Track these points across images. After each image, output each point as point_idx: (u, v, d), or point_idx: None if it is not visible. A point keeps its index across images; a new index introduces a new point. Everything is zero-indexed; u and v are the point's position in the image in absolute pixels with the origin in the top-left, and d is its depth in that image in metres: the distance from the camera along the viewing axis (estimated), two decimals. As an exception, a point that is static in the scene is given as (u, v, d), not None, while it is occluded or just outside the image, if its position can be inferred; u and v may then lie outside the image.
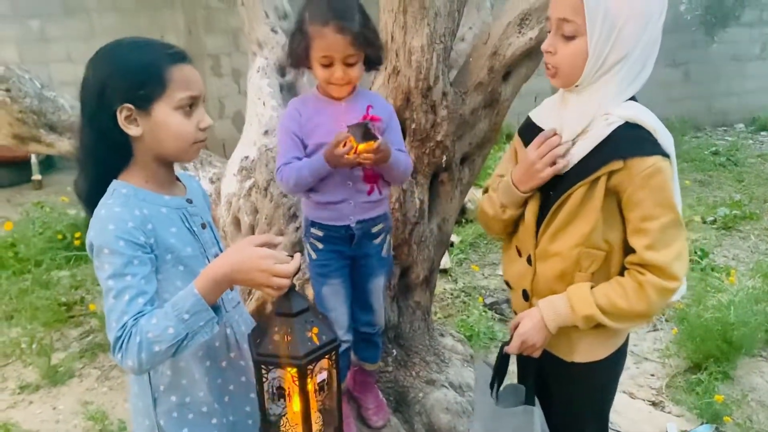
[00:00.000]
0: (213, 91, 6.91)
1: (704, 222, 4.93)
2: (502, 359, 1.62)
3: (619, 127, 1.36)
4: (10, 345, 3.23)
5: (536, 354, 1.54)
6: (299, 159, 1.75)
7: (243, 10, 2.94)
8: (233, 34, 6.97)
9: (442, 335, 2.61)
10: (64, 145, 2.78)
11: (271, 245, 1.21)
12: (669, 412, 2.74)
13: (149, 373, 1.31)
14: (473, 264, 4.26)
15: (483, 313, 3.50)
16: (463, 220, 4.81)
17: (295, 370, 1.12)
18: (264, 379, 1.16)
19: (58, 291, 3.74)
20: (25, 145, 2.83)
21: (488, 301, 3.69)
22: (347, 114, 1.77)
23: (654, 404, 2.81)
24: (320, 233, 1.87)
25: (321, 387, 1.19)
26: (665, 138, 1.39)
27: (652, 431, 2.62)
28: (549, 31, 1.40)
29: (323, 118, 1.76)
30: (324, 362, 1.16)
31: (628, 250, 1.43)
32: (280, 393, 1.18)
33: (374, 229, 1.90)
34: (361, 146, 1.63)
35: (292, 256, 1.19)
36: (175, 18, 6.78)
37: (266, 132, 2.51)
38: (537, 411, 1.59)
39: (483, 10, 2.60)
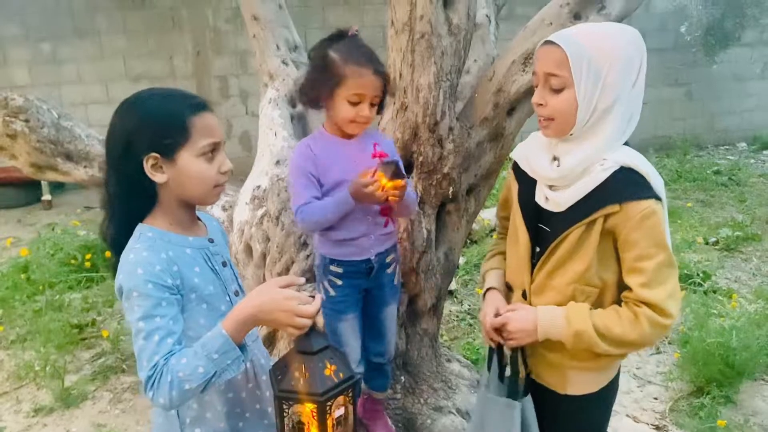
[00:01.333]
0: (221, 112, 7.01)
1: (706, 243, 4.98)
2: (492, 349, 1.66)
3: (614, 171, 1.42)
4: (24, 368, 3.29)
5: (509, 344, 1.57)
6: (317, 198, 1.81)
7: (255, 42, 3.02)
8: (240, 56, 7.08)
9: (449, 360, 2.66)
10: (80, 173, 2.86)
11: (295, 286, 1.28)
12: (672, 437, 2.79)
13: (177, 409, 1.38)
14: (478, 286, 4.30)
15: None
16: (468, 242, 4.87)
17: (314, 406, 1.18)
18: (285, 414, 1.22)
19: (70, 313, 3.81)
20: (42, 174, 2.92)
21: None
22: (360, 151, 1.85)
23: (658, 428, 2.84)
24: (340, 270, 1.93)
25: (338, 422, 1.24)
26: (657, 182, 1.45)
27: (655, 455, 2.66)
28: (536, 86, 1.48)
29: (339, 157, 1.83)
30: (341, 399, 1.22)
31: (621, 287, 1.49)
32: (300, 427, 1.23)
33: (388, 260, 1.98)
34: (389, 184, 1.71)
35: (313, 297, 1.26)
36: (184, 40, 6.90)
37: (278, 162, 2.59)
38: (521, 406, 1.61)
39: (487, 43, 2.68)
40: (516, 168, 1.64)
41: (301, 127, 2.85)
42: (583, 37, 1.39)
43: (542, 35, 2.09)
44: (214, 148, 1.32)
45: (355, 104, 1.76)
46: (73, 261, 4.32)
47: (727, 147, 8.55)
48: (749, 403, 2.98)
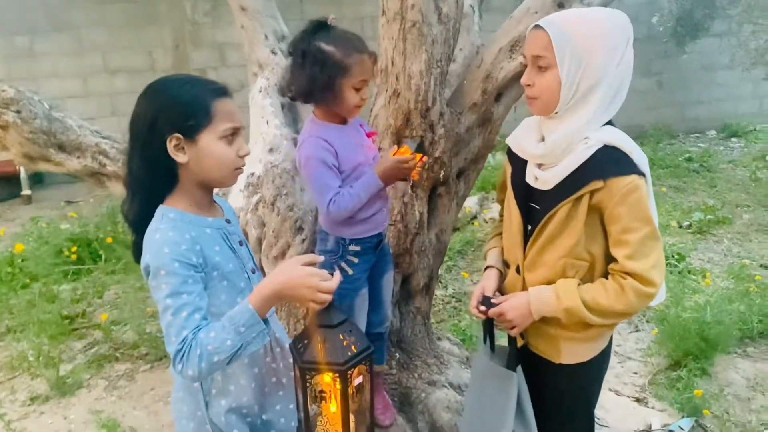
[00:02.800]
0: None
1: (680, 227, 5.15)
2: (486, 319, 1.76)
3: (598, 150, 1.51)
4: (17, 358, 3.31)
5: (512, 332, 1.68)
6: (340, 187, 1.90)
7: (243, 32, 3.07)
8: (219, 49, 7.08)
9: (439, 339, 2.77)
10: (73, 163, 2.89)
11: (315, 264, 1.35)
12: (652, 407, 2.92)
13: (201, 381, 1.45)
14: (462, 271, 4.42)
15: (474, 318, 3.66)
16: (451, 229, 4.97)
17: (336, 375, 1.26)
18: (307, 384, 1.30)
19: (60, 305, 3.83)
20: (34, 164, 2.94)
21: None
22: (359, 133, 1.97)
23: (638, 400, 2.98)
24: (358, 248, 2.02)
25: (357, 389, 1.33)
26: (640, 159, 1.55)
27: (636, 425, 2.79)
28: (526, 66, 1.57)
29: (350, 142, 1.92)
30: (360, 368, 1.31)
31: (609, 260, 1.59)
32: (322, 396, 1.32)
33: (385, 230, 2.11)
34: (418, 156, 1.88)
35: (332, 274, 1.34)
36: (162, 33, 6.88)
37: (271, 150, 2.65)
38: (517, 377, 1.72)
39: (472, 33, 2.76)
40: (509, 152, 1.73)
41: (291, 115, 2.92)
42: (567, 21, 1.49)
43: (527, 24, 2.20)
44: (234, 132, 1.38)
45: (359, 90, 1.85)
46: (64, 252, 4.33)
47: (698, 135, 8.78)
48: (723, 374, 3.14)
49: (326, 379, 1.30)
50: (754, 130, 8.71)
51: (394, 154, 1.86)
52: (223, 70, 7.15)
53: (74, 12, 6.58)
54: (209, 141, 1.35)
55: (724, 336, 3.17)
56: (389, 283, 2.17)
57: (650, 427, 2.77)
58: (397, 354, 2.45)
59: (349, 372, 1.27)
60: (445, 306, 3.93)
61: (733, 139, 8.51)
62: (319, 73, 1.81)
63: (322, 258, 1.39)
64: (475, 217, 5.39)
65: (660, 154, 7.25)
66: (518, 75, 2.26)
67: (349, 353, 1.28)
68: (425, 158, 1.86)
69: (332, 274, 1.33)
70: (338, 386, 1.28)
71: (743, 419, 2.79)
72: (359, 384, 1.32)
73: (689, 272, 4.18)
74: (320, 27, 1.87)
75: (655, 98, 8.43)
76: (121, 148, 2.82)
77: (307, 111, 2.97)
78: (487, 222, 5.32)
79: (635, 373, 3.20)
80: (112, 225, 4.76)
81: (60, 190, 6.52)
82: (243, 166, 1.43)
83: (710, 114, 8.91)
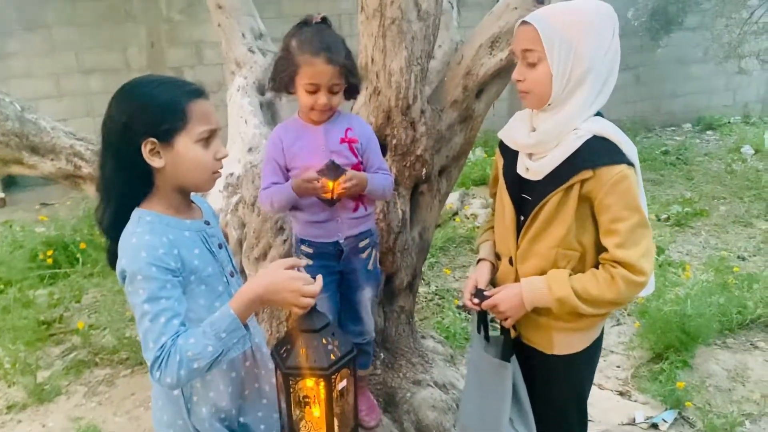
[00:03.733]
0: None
1: (659, 219, 5.20)
2: (480, 311, 1.76)
3: (588, 140, 1.53)
4: (-7, 365, 3.24)
5: (506, 324, 1.70)
6: (276, 184, 1.90)
7: (220, 30, 3.03)
8: (196, 47, 6.99)
9: (423, 337, 2.76)
10: (47, 166, 2.82)
11: (297, 267, 1.33)
12: (635, 401, 2.94)
13: (181, 388, 1.41)
14: (444, 267, 4.41)
15: (457, 315, 3.66)
16: (432, 226, 4.97)
17: (321, 380, 1.24)
18: (291, 390, 1.28)
19: (37, 310, 3.75)
20: (7, 168, 2.87)
21: (460, 302, 3.85)
22: (326, 136, 1.92)
23: (621, 394, 3.00)
24: (310, 250, 2.00)
25: (341, 393, 1.31)
26: (629, 149, 1.57)
27: (620, 419, 2.80)
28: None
29: (304, 143, 1.90)
30: (344, 372, 1.29)
31: (600, 250, 1.60)
32: (305, 401, 1.30)
33: (361, 244, 2.04)
34: (331, 184, 1.81)
35: (314, 278, 1.32)
36: (137, 31, 6.77)
37: (250, 149, 2.62)
38: (511, 366, 1.73)
39: (451, 29, 2.75)
40: (501, 145, 1.74)
41: (270, 114, 2.89)
42: (553, 14, 1.50)
43: (507, 20, 2.20)
44: (211, 135, 1.34)
45: (312, 93, 1.82)
46: (40, 257, 4.24)
47: (674, 128, 8.87)
48: (704, 366, 3.17)
49: (309, 384, 1.28)
50: (728, 122, 8.83)
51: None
52: (200, 69, 7.06)
53: (45, 11, 6.45)
54: (185, 145, 1.31)
55: (704, 328, 3.20)
56: (366, 300, 2.10)
57: (634, 421, 2.78)
58: (381, 354, 2.43)
59: (334, 376, 1.26)
60: (428, 303, 3.92)
61: (708, 132, 8.61)
62: (280, 66, 1.84)
63: (304, 261, 1.37)
64: (456, 214, 5.39)
65: (637, 148, 7.16)
66: (499, 71, 2.26)
67: (333, 357, 1.26)
68: (337, 187, 1.81)
69: (314, 278, 1.31)
70: (322, 391, 1.26)
71: (725, 410, 2.82)
72: (343, 388, 1.30)
73: (669, 265, 4.22)
74: (305, 24, 1.87)
75: (633, 92, 8.50)
76: (97, 150, 2.76)
77: (286, 109, 2.96)
78: (468, 218, 5.32)
79: (618, 367, 3.22)
80: (88, 227, 4.68)
81: (35, 193, 6.39)
82: (221, 168, 1.39)
83: (685, 107, 9.01)
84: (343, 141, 1.93)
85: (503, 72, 2.26)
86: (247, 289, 1.29)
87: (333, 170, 1.80)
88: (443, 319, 3.64)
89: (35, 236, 4.59)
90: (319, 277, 1.32)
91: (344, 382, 1.31)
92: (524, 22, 1.51)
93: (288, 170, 1.92)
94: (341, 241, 1.99)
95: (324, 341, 1.27)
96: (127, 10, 6.69)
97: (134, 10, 6.72)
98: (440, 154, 2.35)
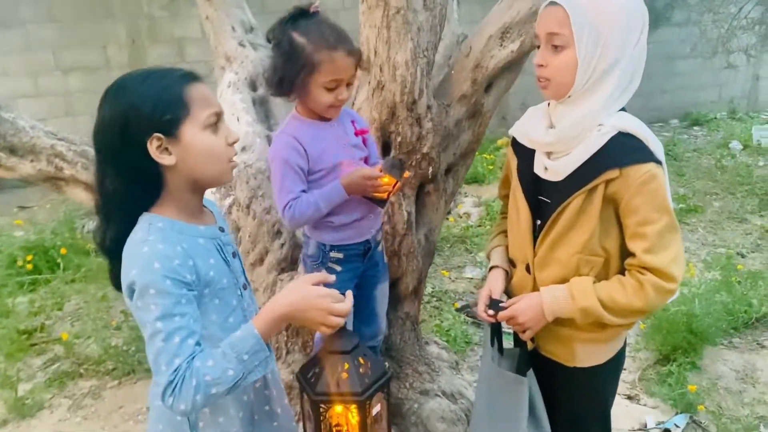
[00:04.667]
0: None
1: (654, 217, 5.13)
2: (494, 323, 1.66)
3: (612, 137, 1.42)
4: (-30, 379, 3.07)
5: (524, 336, 1.58)
6: (304, 191, 1.74)
7: (208, 24, 2.90)
8: (178, 44, 6.81)
9: (427, 343, 2.64)
10: (26, 168, 2.66)
11: (326, 283, 1.22)
12: (645, 405, 2.85)
13: None
14: (440, 269, 4.30)
15: (456, 318, 3.55)
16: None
17: (354, 406, 1.12)
18: (321, 417, 1.16)
19: (17, 319, 3.58)
20: (-17, 170, 2.71)
21: (459, 304, 3.75)
22: (344, 132, 1.80)
23: (630, 398, 2.91)
24: (340, 255, 1.87)
25: (375, 419, 1.19)
26: (656, 146, 1.46)
27: (631, 424, 2.71)
28: (538, 47, 1.46)
29: (326, 143, 1.76)
30: (378, 395, 1.18)
31: (624, 255, 1.50)
32: (338, 429, 1.18)
33: (378, 238, 1.96)
34: (390, 180, 1.70)
35: (344, 294, 1.20)
36: (117, 28, 6.58)
37: (243, 148, 2.48)
38: (528, 381, 1.62)
39: (452, 21, 2.64)
40: (514, 143, 1.62)
41: (263, 111, 2.75)
42: None
43: (519, 9, 2.09)
44: (218, 119, 1.22)
45: (332, 90, 1.68)
46: (15, 264, 4.06)
47: (661, 124, 8.84)
48: (712, 367, 3.09)
49: (341, 410, 1.16)
50: (715, 118, 8.82)
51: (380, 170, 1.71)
52: (182, 66, 6.89)
53: (21, 7, 6.23)
54: (193, 134, 1.18)
55: (711, 328, 3.12)
56: (383, 294, 2.03)
57: (645, 426, 2.70)
58: (386, 363, 2.31)
59: (368, 402, 1.14)
60: (425, 306, 3.80)
61: (695, 128, 8.60)
62: (287, 67, 1.66)
63: (333, 277, 1.25)
64: (449, 213, 5.28)
65: (627, 144, 7.25)
66: (509, 64, 2.14)
67: (367, 381, 1.14)
68: (399, 185, 1.72)
69: (344, 294, 1.19)
70: (355, 417, 1.14)
71: (737, 413, 2.74)
72: (377, 413, 1.19)
73: (669, 263, 4.14)
74: (300, 15, 1.71)
75: (620, 88, 8.46)
76: (80, 150, 2.61)
77: (279, 106, 2.82)
78: (461, 217, 5.22)
79: (624, 369, 3.10)
80: (69, 231, 4.50)
81: (12, 195, 6.16)
82: (236, 156, 1.26)
83: (673, 103, 8.98)
84: (357, 134, 1.83)
85: (513, 65, 2.15)
86: (271, 307, 1.18)
87: (399, 168, 1.69)
88: (442, 322, 3.52)
89: (13, 241, 4.39)
90: (349, 294, 1.21)
91: (378, 407, 1.19)
92: (552, 3, 1.39)
93: (310, 174, 1.77)
94: (370, 239, 1.90)
95: (356, 363, 1.15)
96: (107, 7, 6.49)
97: (114, 7, 6.52)
98: (447, 152, 2.24)
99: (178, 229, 1.21)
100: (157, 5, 6.64)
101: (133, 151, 1.16)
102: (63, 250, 4.15)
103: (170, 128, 1.16)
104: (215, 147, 1.21)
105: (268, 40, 1.77)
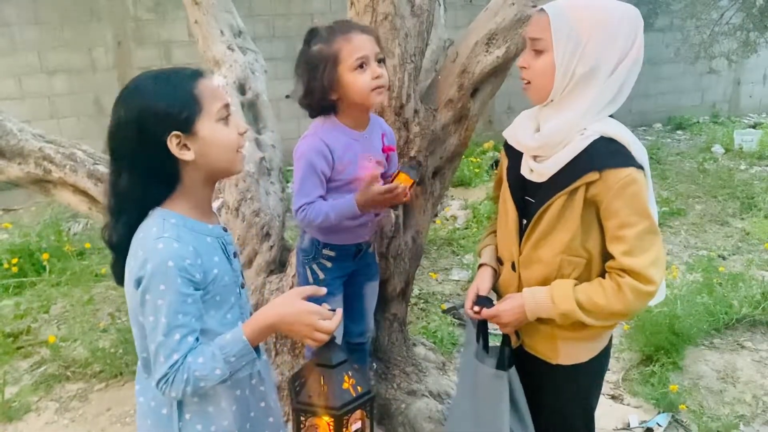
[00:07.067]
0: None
1: (637, 219, 5.20)
2: (480, 320, 1.70)
3: (595, 141, 1.46)
4: (-44, 383, 3.05)
5: (505, 330, 1.64)
6: (322, 197, 1.78)
7: (197, 28, 2.90)
8: (165, 47, 6.79)
9: (414, 344, 2.67)
10: (14, 170, 2.66)
11: (317, 296, 1.28)
12: (628, 404, 2.89)
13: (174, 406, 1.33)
14: (428, 271, 4.33)
15: (443, 319, 3.58)
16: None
17: (331, 420, 1.16)
18: (302, 426, 1.20)
19: (2, 322, 3.56)
20: (-30, 173, 2.70)
21: (446, 306, 3.78)
22: (372, 146, 1.84)
23: (613, 397, 2.95)
24: (332, 253, 1.92)
25: (355, 435, 1.23)
26: (639, 151, 1.50)
27: (615, 423, 2.75)
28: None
29: (353, 154, 1.79)
30: (359, 413, 1.21)
31: (607, 257, 1.53)
32: (317, 438, 1.21)
33: (370, 239, 2.02)
34: (404, 178, 1.74)
35: (334, 310, 1.26)
36: (103, 31, 6.55)
37: (233, 152, 2.49)
38: (508, 377, 1.66)
39: (438, 27, 2.68)
40: (506, 145, 1.66)
41: (252, 115, 2.77)
42: (571, 7, 1.43)
43: (504, 15, 2.13)
44: (227, 111, 1.28)
45: (362, 69, 1.69)
46: (0, 266, 4.04)
47: (645, 128, 8.95)
48: (694, 367, 3.14)
49: (323, 423, 1.20)
50: (697, 122, 8.97)
51: (392, 180, 1.73)
52: (169, 69, 6.87)
53: (6, 9, 6.19)
54: (208, 128, 1.24)
55: (693, 329, 3.18)
56: (373, 292, 2.08)
57: (629, 425, 2.74)
58: (374, 364, 2.34)
59: (346, 417, 1.17)
60: (413, 307, 3.83)
61: (678, 132, 8.72)
62: (314, 74, 1.71)
63: (324, 290, 1.30)
64: (436, 215, 5.31)
65: (611, 148, 7.34)
66: (495, 69, 2.18)
67: (347, 397, 1.18)
68: (414, 185, 1.76)
69: (334, 311, 1.25)
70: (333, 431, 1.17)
71: (718, 412, 2.80)
72: (357, 429, 1.22)
73: (652, 265, 4.20)
74: (311, 35, 1.77)
75: (604, 92, 8.54)
76: (68, 153, 2.61)
77: (268, 110, 2.84)
78: (448, 220, 5.26)
79: (608, 370, 3.17)
80: (55, 234, 4.49)
81: (-2, 197, 6.14)
82: (244, 146, 1.32)
83: (656, 107, 9.10)
84: (384, 150, 1.87)
85: (499, 70, 2.19)
86: (261, 316, 1.25)
87: (416, 169, 1.76)
88: (429, 323, 3.55)
89: (-2, 244, 4.38)
90: (339, 311, 1.27)
91: (358, 424, 1.22)
92: (541, 10, 1.45)
93: (330, 181, 1.80)
94: (362, 242, 1.96)
95: (339, 378, 1.19)
96: (93, 9, 6.46)
97: (100, 9, 6.50)
98: (434, 156, 2.27)
99: (189, 227, 1.27)
100: (144, 8, 6.63)
101: (151, 150, 1.21)
102: (45, 255, 4.13)
103: (187, 125, 1.22)
104: (228, 138, 1.27)
105: (298, 73, 1.79)
